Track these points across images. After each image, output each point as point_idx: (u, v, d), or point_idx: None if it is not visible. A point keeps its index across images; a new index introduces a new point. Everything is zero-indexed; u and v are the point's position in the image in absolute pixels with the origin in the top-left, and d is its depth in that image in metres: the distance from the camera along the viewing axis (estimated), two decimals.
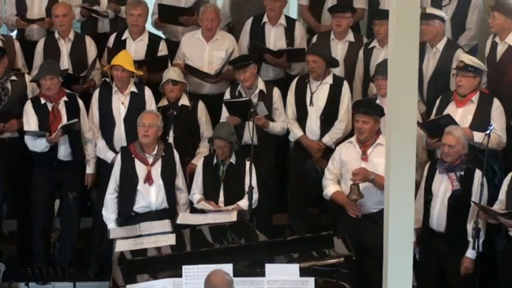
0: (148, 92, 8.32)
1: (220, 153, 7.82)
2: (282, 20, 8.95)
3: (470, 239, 7.12)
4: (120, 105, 8.25)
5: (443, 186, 7.32)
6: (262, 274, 6.20)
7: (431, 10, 8.29)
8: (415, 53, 5.58)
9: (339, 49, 8.75)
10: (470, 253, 7.13)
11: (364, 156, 7.54)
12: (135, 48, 8.75)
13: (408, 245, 5.66)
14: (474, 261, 7.14)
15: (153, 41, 8.85)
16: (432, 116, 7.96)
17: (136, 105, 8.23)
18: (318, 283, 6.24)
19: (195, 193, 7.89)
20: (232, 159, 7.85)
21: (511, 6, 8.17)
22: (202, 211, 7.74)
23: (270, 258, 6.54)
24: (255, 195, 7.63)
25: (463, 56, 7.86)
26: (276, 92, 8.42)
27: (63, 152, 8.11)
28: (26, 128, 8.05)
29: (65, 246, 8.20)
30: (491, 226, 7.24)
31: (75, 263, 7.43)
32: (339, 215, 7.65)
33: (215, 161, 7.88)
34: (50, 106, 8.10)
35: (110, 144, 8.25)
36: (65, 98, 8.16)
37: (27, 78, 8.39)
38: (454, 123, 7.57)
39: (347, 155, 7.63)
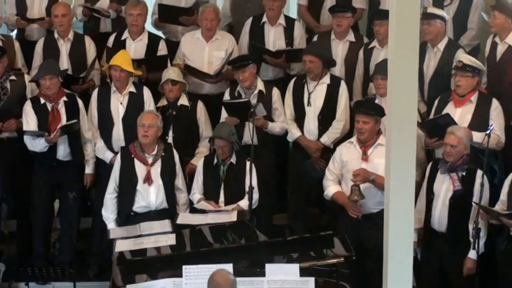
0: (147, 92, 8.33)
1: (221, 153, 7.82)
2: (282, 20, 8.95)
3: (472, 239, 7.11)
4: (118, 105, 8.25)
5: (444, 187, 7.32)
6: (262, 274, 6.20)
7: (432, 10, 8.29)
8: (415, 53, 5.59)
9: (339, 49, 8.75)
10: (473, 254, 7.11)
11: (365, 157, 7.53)
12: (135, 48, 8.75)
13: (408, 245, 5.66)
14: (476, 262, 7.13)
15: (153, 40, 8.85)
16: (431, 116, 7.96)
17: (134, 105, 8.23)
18: (318, 283, 6.24)
19: (195, 193, 7.89)
20: (233, 159, 7.85)
21: (511, 6, 8.18)
22: (203, 211, 7.74)
23: (270, 258, 6.54)
24: (256, 196, 7.63)
25: (461, 56, 7.86)
26: (276, 92, 8.42)
27: (63, 152, 8.11)
28: (25, 128, 8.05)
29: (65, 246, 8.21)
30: (493, 226, 7.24)
31: (75, 263, 7.43)
32: (339, 215, 7.65)
33: (215, 160, 7.87)
34: (49, 106, 8.10)
35: (109, 144, 8.25)
36: (65, 98, 8.16)
37: (27, 78, 8.39)
38: (453, 122, 7.58)
39: (347, 156, 7.63)
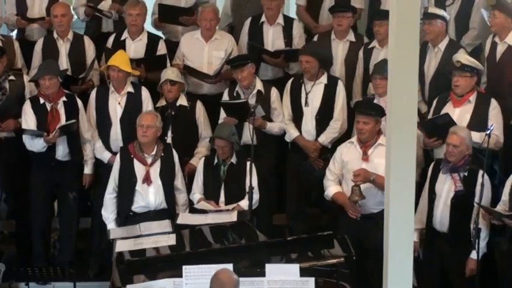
0: (145, 92, 8.33)
1: (221, 153, 7.82)
2: (280, 20, 8.95)
3: (473, 239, 7.11)
4: (116, 105, 8.26)
5: (446, 187, 7.32)
6: (263, 274, 6.20)
7: (433, 10, 8.29)
8: (415, 53, 5.57)
9: (339, 49, 8.75)
10: (475, 254, 7.08)
11: (365, 157, 7.54)
12: (135, 48, 8.75)
13: (408, 245, 5.66)
14: (479, 263, 7.10)
15: (152, 40, 8.85)
16: (429, 116, 7.96)
17: (132, 105, 8.24)
18: (318, 283, 6.23)
19: (195, 193, 7.90)
20: (233, 160, 7.84)
21: (511, 6, 8.17)
22: (203, 211, 7.74)
23: (270, 258, 6.53)
24: (256, 196, 7.64)
25: (459, 56, 7.84)
26: (274, 92, 8.42)
27: (61, 152, 8.11)
28: (24, 127, 8.03)
29: (65, 246, 8.21)
30: (494, 227, 7.23)
31: (75, 263, 7.43)
32: (339, 215, 7.65)
33: (216, 161, 7.87)
34: (48, 106, 8.10)
35: (106, 144, 8.26)
36: (64, 98, 8.16)
37: (26, 78, 8.39)
38: (453, 122, 7.58)
39: (348, 156, 7.63)
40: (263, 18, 8.95)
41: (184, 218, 7.63)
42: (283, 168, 8.68)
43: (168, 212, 7.76)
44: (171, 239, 7.04)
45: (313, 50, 8.36)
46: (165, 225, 7.37)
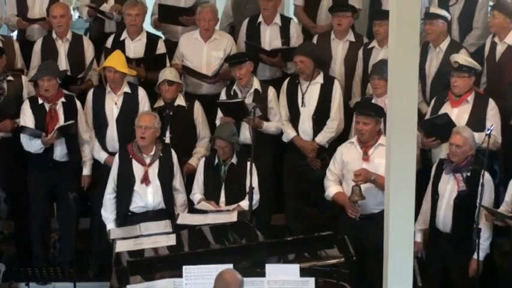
0: (142, 93, 8.33)
1: (222, 154, 7.81)
2: (277, 20, 8.95)
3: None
4: (113, 106, 8.26)
5: (449, 187, 7.32)
6: (263, 274, 6.19)
7: (434, 10, 8.29)
8: (415, 53, 5.58)
9: (339, 49, 8.75)
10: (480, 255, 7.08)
11: (366, 157, 7.53)
12: (134, 48, 8.76)
13: (408, 245, 5.66)
14: (482, 263, 7.12)
15: (152, 40, 8.85)
16: (427, 116, 7.96)
17: (129, 106, 8.24)
18: (318, 283, 6.22)
19: (196, 193, 7.89)
20: (234, 160, 7.84)
21: (511, 6, 8.18)
22: (203, 211, 7.73)
23: (270, 258, 6.53)
24: (256, 196, 7.64)
25: (457, 57, 7.84)
26: (271, 92, 8.43)
27: (59, 152, 8.10)
28: (22, 124, 8.02)
29: (65, 246, 8.21)
30: (497, 228, 7.22)
31: (75, 263, 7.41)
32: (340, 215, 7.65)
33: (216, 161, 7.87)
34: (47, 106, 8.09)
35: (103, 145, 8.26)
36: (63, 99, 8.15)
37: (24, 79, 8.38)
38: (451, 122, 7.59)
39: (348, 156, 7.62)
40: (260, 19, 8.96)
41: (185, 218, 7.61)
42: (280, 167, 8.68)
43: (166, 212, 7.76)
44: (171, 239, 7.04)
45: (308, 50, 8.36)
46: (165, 225, 7.36)
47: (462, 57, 7.83)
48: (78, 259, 7.63)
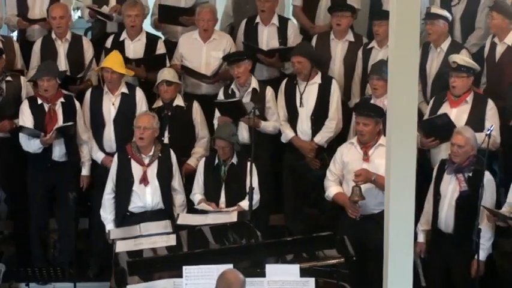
0: (139, 93, 8.33)
1: (222, 154, 7.81)
2: (275, 20, 8.95)
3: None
4: (110, 106, 8.26)
5: (451, 187, 7.32)
6: (263, 274, 6.19)
7: (435, 10, 8.29)
8: (415, 53, 5.58)
9: (338, 49, 8.75)
10: (481, 256, 7.07)
11: (366, 157, 7.53)
12: (134, 48, 8.76)
13: (408, 245, 5.65)
14: (484, 264, 7.12)
15: (151, 40, 8.85)
16: (426, 117, 7.96)
17: (126, 106, 8.24)
18: (318, 283, 6.23)
19: (196, 193, 7.89)
20: (234, 160, 7.83)
21: (509, 7, 8.18)
22: (203, 211, 7.73)
23: (270, 258, 6.53)
24: (256, 196, 7.64)
25: (455, 57, 7.84)
26: (269, 92, 8.42)
27: (58, 152, 8.10)
28: (21, 124, 8.02)
29: (65, 246, 8.20)
30: (499, 228, 7.22)
31: (75, 263, 7.41)
32: (340, 216, 7.65)
33: (216, 161, 7.86)
34: (46, 107, 8.08)
35: (100, 145, 8.27)
36: (62, 99, 8.14)
37: (23, 79, 8.36)
38: (451, 122, 7.59)
39: (348, 156, 7.63)
40: (258, 19, 8.96)
41: (185, 218, 7.61)
42: (278, 167, 8.68)
43: (165, 213, 7.75)
44: (171, 240, 7.03)
45: (305, 50, 8.36)
46: (165, 225, 7.36)
47: (460, 57, 7.83)
48: (78, 259, 7.64)
